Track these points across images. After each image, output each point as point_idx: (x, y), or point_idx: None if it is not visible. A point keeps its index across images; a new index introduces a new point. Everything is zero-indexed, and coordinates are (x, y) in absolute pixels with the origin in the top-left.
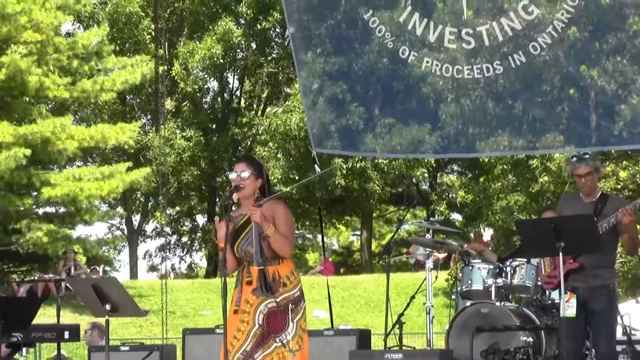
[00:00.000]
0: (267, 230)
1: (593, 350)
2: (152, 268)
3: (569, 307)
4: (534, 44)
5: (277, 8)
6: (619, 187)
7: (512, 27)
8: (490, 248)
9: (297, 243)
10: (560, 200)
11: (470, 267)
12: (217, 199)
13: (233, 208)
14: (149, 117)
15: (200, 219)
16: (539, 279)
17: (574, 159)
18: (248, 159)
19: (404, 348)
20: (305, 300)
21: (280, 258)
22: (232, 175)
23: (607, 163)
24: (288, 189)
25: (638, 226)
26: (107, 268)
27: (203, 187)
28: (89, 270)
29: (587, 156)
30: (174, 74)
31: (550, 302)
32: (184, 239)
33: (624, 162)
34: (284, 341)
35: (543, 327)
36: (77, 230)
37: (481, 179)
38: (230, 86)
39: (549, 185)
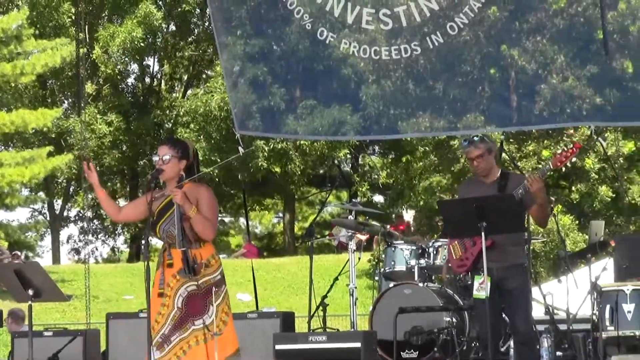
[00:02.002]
0: (189, 212)
1: (511, 329)
2: (76, 251)
3: (481, 289)
4: (451, 24)
5: None
6: (540, 166)
7: (430, 7)
8: (412, 229)
9: (220, 227)
10: (459, 188)
11: (393, 249)
12: (139, 182)
13: (157, 190)
14: (69, 101)
15: (123, 203)
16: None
17: (465, 142)
18: (170, 141)
19: (327, 330)
20: (228, 283)
21: (201, 241)
22: (155, 158)
23: (529, 142)
24: (209, 169)
25: (556, 207)
26: (30, 253)
27: (125, 171)
28: (10, 255)
29: (477, 139)
30: (94, 57)
31: (472, 282)
32: (106, 223)
33: (545, 142)
34: (200, 325)
35: (466, 307)
36: None
37: (403, 160)
38: (151, 69)
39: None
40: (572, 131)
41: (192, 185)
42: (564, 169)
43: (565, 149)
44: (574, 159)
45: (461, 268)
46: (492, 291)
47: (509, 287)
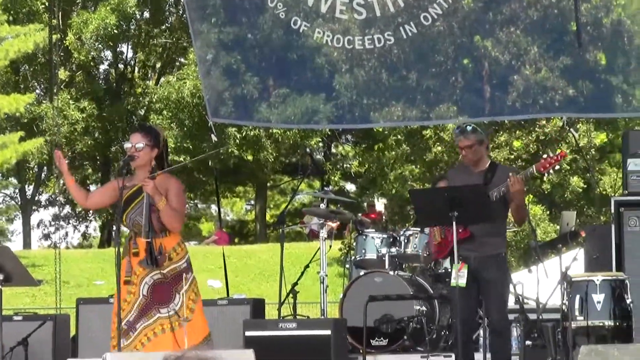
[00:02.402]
0: (159, 203)
1: (486, 319)
2: (46, 236)
3: (460, 277)
4: (425, 14)
5: None
6: (512, 157)
7: None
8: (384, 218)
9: (192, 213)
10: (450, 172)
11: (364, 237)
12: (111, 169)
13: (128, 177)
14: (42, 87)
15: (94, 189)
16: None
17: (458, 130)
18: (144, 129)
19: (298, 317)
20: (199, 270)
21: (167, 230)
22: (127, 145)
23: (501, 133)
24: (187, 162)
25: (527, 197)
26: (0, 237)
27: (97, 157)
28: None
29: (469, 128)
30: (67, 43)
31: (443, 271)
32: (78, 209)
33: (517, 132)
34: (171, 312)
35: (436, 296)
36: None
37: (375, 149)
38: (125, 56)
39: (443, 155)
40: (544, 122)
41: (163, 176)
42: (546, 174)
43: (551, 155)
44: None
45: (439, 253)
46: (468, 280)
47: (486, 277)
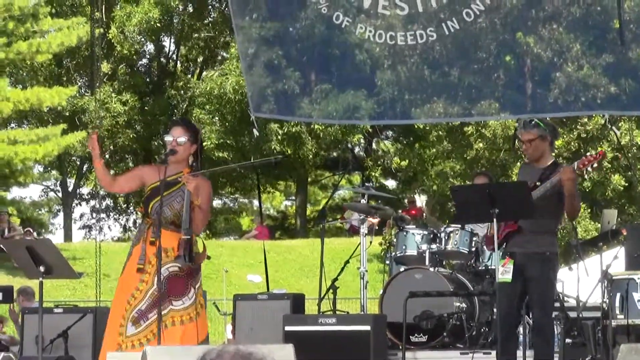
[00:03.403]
0: (196, 202)
1: (526, 316)
2: (87, 227)
3: (505, 272)
4: (467, 10)
5: None
6: (553, 154)
7: None
8: (424, 214)
9: (232, 207)
10: (520, 168)
11: (405, 233)
12: (152, 162)
13: (165, 167)
14: (85, 80)
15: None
16: (473, 244)
17: (521, 124)
18: (185, 123)
19: (337, 313)
20: (239, 264)
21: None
22: (169, 138)
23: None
24: (237, 165)
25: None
26: (42, 230)
27: (138, 151)
28: (23, 232)
29: (532, 123)
30: (110, 37)
31: (483, 267)
32: (119, 202)
33: (559, 130)
34: (187, 305)
35: (476, 293)
36: (12, 192)
37: (416, 145)
38: (167, 50)
39: (484, 151)
40: (586, 119)
41: (199, 177)
42: (585, 171)
43: (593, 154)
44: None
45: (489, 246)
46: (514, 276)
47: (530, 275)
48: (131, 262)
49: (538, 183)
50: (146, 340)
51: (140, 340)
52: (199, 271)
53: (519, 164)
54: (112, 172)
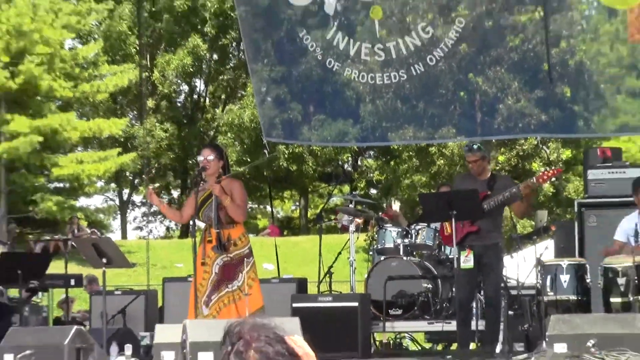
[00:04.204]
0: (225, 201)
1: (480, 294)
2: (138, 228)
3: (467, 261)
4: (430, 56)
5: (235, 28)
6: (497, 168)
7: (414, 43)
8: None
9: (249, 212)
10: (457, 177)
11: (384, 230)
12: (188, 176)
13: (202, 183)
14: (134, 113)
15: (175, 193)
16: (437, 239)
17: (467, 148)
18: (212, 145)
19: (332, 292)
20: (257, 256)
21: (234, 223)
22: (200, 158)
23: (494, 148)
24: (242, 169)
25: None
26: (103, 230)
27: (177, 168)
28: (89, 232)
29: (475, 147)
30: (154, 79)
31: (445, 257)
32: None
33: (502, 149)
34: (234, 287)
35: (440, 276)
36: (80, 201)
37: (391, 163)
38: (198, 89)
39: (444, 166)
40: (522, 141)
41: (227, 180)
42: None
43: (549, 169)
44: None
45: (449, 243)
46: (476, 261)
47: (484, 262)
48: (198, 258)
49: (489, 192)
50: (212, 317)
51: (213, 315)
52: (249, 257)
53: None
54: (157, 184)
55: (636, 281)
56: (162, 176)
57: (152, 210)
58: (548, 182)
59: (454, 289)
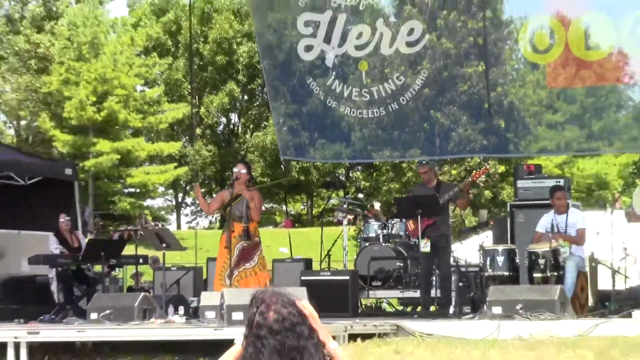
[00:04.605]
0: (251, 204)
1: (437, 270)
2: (189, 222)
3: (426, 246)
4: (402, 97)
5: (260, 76)
6: (451, 179)
7: (391, 88)
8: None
9: (270, 210)
10: (415, 187)
11: (368, 224)
12: (226, 184)
13: (232, 188)
14: (187, 138)
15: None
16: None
17: (418, 163)
18: (244, 162)
19: (331, 269)
20: (276, 243)
21: (252, 220)
22: (235, 170)
23: (445, 166)
24: (267, 185)
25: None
26: (163, 222)
27: (217, 178)
28: (153, 224)
29: (424, 162)
30: (201, 113)
31: (412, 243)
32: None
33: (454, 165)
34: (252, 264)
35: (408, 257)
36: (146, 202)
37: (374, 174)
38: (233, 121)
39: (412, 177)
40: (469, 159)
41: (253, 190)
42: (478, 182)
43: (478, 170)
44: (483, 177)
45: (414, 235)
46: (431, 249)
47: (438, 246)
48: (221, 243)
49: (437, 195)
50: (234, 287)
51: (234, 285)
52: (260, 245)
53: None
54: (202, 190)
55: (552, 261)
56: (207, 184)
57: (198, 208)
58: (478, 179)
59: (418, 267)
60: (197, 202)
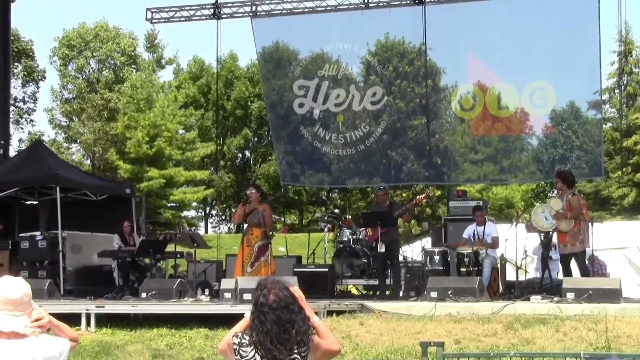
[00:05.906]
0: (263, 213)
1: (390, 265)
2: (215, 227)
3: (381, 247)
4: (367, 141)
5: (267, 125)
6: (401, 200)
7: (359, 134)
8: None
9: (273, 220)
10: (371, 206)
11: (343, 231)
12: (242, 202)
13: (247, 204)
14: (212, 168)
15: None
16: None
17: (377, 189)
18: (254, 185)
19: (315, 264)
20: (276, 244)
21: (267, 225)
22: (248, 192)
23: (398, 190)
24: (271, 198)
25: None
26: (196, 228)
27: (235, 198)
28: (188, 229)
29: (382, 187)
30: (224, 150)
31: (373, 245)
32: (229, 217)
33: (405, 189)
34: (264, 259)
35: (371, 256)
36: (184, 213)
37: (347, 195)
38: (247, 156)
39: (374, 198)
40: (416, 185)
41: (265, 203)
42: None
43: (421, 196)
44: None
45: (371, 240)
46: (385, 249)
47: (390, 248)
48: (243, 243)
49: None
50: (254, 275)
51: (254, 274)
52: (270, 245)
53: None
54: (223, 205)
55: (473, 260)
56: (226, 201)
57: (222, 218)
58: (420, 203)
59: (377, 263)
60: (234, 216)
